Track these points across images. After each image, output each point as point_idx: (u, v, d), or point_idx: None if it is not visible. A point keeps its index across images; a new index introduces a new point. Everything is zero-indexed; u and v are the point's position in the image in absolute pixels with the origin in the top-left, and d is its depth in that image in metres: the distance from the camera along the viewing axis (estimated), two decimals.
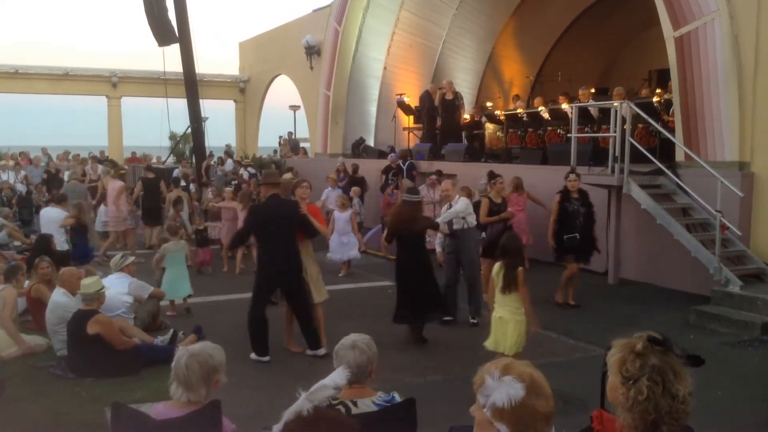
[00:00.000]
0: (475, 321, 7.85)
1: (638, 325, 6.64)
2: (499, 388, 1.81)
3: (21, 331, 6.92)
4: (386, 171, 14.46)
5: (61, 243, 10.25)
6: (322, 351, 6.61)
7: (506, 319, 5.62)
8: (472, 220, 8.06)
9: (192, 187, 15.78)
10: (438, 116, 15.88)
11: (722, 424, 4.93)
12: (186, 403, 2.98)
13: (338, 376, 1.92)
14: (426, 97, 16.12)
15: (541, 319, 8.00)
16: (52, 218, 10.60)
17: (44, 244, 9.48)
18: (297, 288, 6.70)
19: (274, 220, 6.57)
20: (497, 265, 5.76)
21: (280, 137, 24.28)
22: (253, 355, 6.55)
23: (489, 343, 5.75)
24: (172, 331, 7.05)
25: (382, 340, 6.87)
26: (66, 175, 22.31)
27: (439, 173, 13.50)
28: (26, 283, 7.64)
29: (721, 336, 7.55)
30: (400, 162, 14.64)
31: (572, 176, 9.03)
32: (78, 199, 12.40)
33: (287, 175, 10.88)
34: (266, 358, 6.55)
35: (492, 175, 9.57)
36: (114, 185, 12.79)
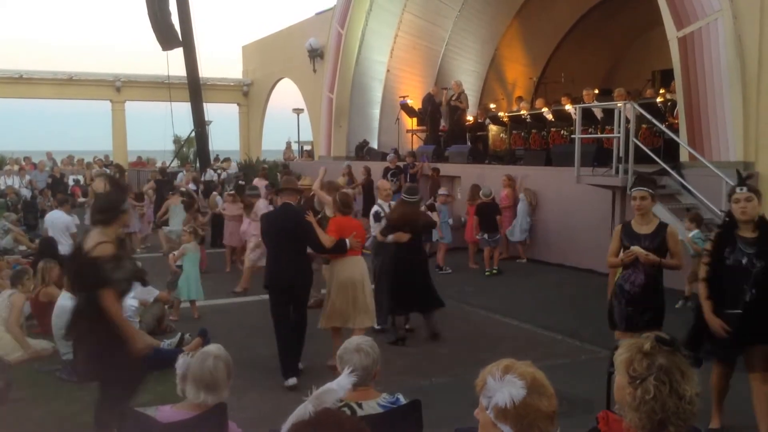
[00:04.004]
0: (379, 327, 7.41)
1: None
2: (501, 389, 1.82)
3: (26, 335, 6.95)
4: (385, 172, 14.46)
5: (65, 247, 10.26)
6: (290, 382, 5.95)
7: None
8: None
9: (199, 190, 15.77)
10: (442, 118, 15.86)
11: (729, 425, 4.90)
12: (193, 406, 2.98)
13: (345, 380, 1.92)
14: (428, 100, 16.12)
15: (546, 320, 8.09)
16: (57, 222, 10.62)
17: (48, 247, 9.50)
18: (298, 303, 6.25)
19: (280, 229, 6.21)
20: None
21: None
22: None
23: None
24: (179, 334, 7.04)
25: (384, 343, 6.87)
26: (71, 180, 22.45)
27: (436, 171, 13.79)
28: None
29: None
30: (400, 163, 14.65)
31: (741, 191, 4.57)
32: None
33: (305, 180, 10.74)
34: (291, 382, 5.96)
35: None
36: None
